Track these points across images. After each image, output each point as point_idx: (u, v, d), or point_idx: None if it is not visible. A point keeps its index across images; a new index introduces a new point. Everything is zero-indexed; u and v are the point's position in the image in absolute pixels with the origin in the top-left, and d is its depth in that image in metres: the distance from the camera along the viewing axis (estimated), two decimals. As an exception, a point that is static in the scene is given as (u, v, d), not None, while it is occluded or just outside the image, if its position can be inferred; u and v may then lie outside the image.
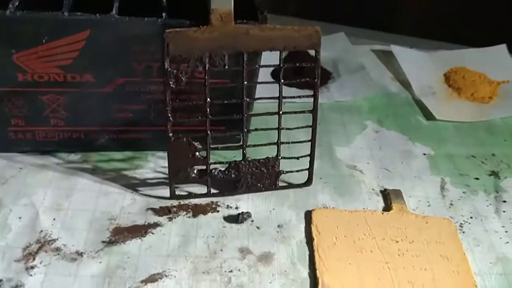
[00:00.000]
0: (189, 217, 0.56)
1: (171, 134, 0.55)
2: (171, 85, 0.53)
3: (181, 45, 0.52)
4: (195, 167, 0.58)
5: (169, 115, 0.54)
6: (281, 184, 0.61)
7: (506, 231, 0.59)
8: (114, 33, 0.53)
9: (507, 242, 0.58)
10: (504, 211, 0.62)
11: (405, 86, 0.82)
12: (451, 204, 0.62)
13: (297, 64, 0.58)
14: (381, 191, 0.63)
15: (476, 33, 0.99)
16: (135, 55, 0.55)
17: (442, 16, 1.03)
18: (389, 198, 0.61)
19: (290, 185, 0.62)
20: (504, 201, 0.63)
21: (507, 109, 0.79)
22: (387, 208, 0.60)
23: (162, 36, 0.51)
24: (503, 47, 0.90)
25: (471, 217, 0.60)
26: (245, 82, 0.55)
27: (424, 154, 0.70)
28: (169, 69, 0.52)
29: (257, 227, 0.56)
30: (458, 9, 1.02)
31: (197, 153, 0.57)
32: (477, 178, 0.66)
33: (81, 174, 0.60)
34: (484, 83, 0.83)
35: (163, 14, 0.54)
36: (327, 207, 0.60)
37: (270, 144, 0.59)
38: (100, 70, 0.56)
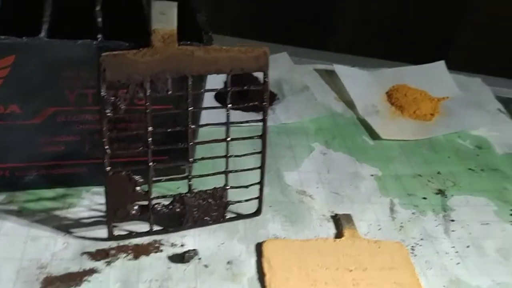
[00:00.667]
0: (130, 259, 0.52)
1: (108, 168, 0.50)
2: (108, 114, 0.48)
3: (119, 70, 0.47)
4: (136, 203, 0.53)
5: (106, 146, 0.49)
6: (229, 215, 0.58)
7: (457, 252, 0.59)
8: (43, 58, 0.48)
9: (458, 263, 0.57)
10: (453, 231, 0.62)
11: (350, 105, 0.82)
12: (402, 226, 0.61)
13: (245, 87, 0.55)
14: (332, 217, 0.61)
15: (415, 50, 1.01)
16: (67, 82, 0.50)
17: (382, 34, 1.05)
18: (340, 223, 0.60)
19: (239, 216, 0.58)
20: (452, 220, 0.63)
21: (448, 125, 0.81)
22: (338, 234, 0.59)
23: (98, 60, 0.46)
24: (441, 64, 0.92)
25: (422, 239, 0.60)
26: (190, 108, 0.52)
27: (372, 175, 0.69)
28: (106, 96, 0.48)
29: (205, 266, 0.52)
30: (398, 27, 1.04)
31: (138, 188, 0.52)
32: (424, 198, 0.66)
33: (6, 217, 0.54)
34: (425, 100, 0.84)
35: (99, 36, 0.49)
36: (278, 237, 0.57)
37: (217, 173, 0.56)
38: (27, 100, 0.50)
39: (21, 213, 0.55)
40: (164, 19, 0.48)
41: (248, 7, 1.05)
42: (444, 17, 1.03)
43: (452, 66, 0.94)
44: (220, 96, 0.73)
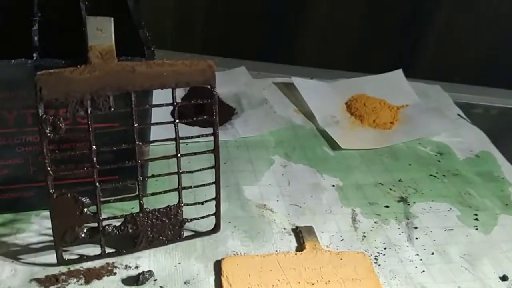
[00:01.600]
0: (81, 284, 0.49)
1: (52, 190, 0.48)
2: (48, 134, 0.46)
3: (57, 88, 0.45)
4: (85, 225, 0.51)
5: (48, 168, 0.47)
6: (186, 234, 0.56)
7: (421, 259, 0.58)
8: (-24, 79, 0.46)
9: (423, 271, 0.56)
10: (416, 238, 0.61)
11: (309, 117, 0.81)
12: (364, 236, 0.60)
13: (192, 101, 0.54)
14: (293, 230, 0.60)
15: (373, 60, 1.01)
16: (4, 103, 0.48)
17: (342, 46, 1.05)
18: (301, 236, 0.58)
19: (197, 234, 0.57)
20: (416, 228, 0.63)
21: (408, 133, 0.80)
22: (300, 247, 0.57)
23: (33, 79, 0.44)
24: (399, 72, 0.92)
25: (385, 248, 0.59)
26: (136, 125, 0.50)
27: (333, 185, 0.68)
28: (45, 116, 0.46)
29: (161, 287, 0.50)
30: (354, 37, 1.05)
31: (86, 209, 0.50)
32: (387, 206, 0.66)
33: (-51, 245, 0.51)
34: (384, 109, 0.84)
35: (34, 55, 0.48)
36: (237, 254, 0.55)
37: (170, 190, 0.54)
38: (-37, 123, 0.48)
39: (-35, 241, 0.52)
40: (101, 35, 0.46)
41: (207, 22, 1.04)
42: (403, 26, 1.04)
43: (411, 74, 0.94)
44: (179, 113, 0.71)
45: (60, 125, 0.47)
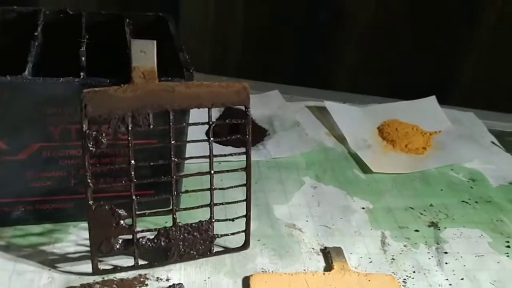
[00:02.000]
0: (114, 293, 0.51)
1: (91, 202, 0.50)
2: (91, 148, 0.49)
3: (101, 106, 0.48)
4: (120, 237, 0.53)
5: (89, 180, 0.49)
6: (216, 249, 0.57)
7: (450, 284, 0.58)
8: (27, 96, 0.49)
9: (452, 296, 0.56)
10: (446, 263, 0.61)
11: (341, 140, 0.82)
12: (393, 259, 0.60)
13: (227, 121, 0.56)
14: (321, 250, 0.60)
15: (406, 86, 1.02)
16: (51, 118, 0.51)
17: (373, 72, 1.06)
18: (329, 256, 0.59)
19: (226, 250, 0.58)
20: (446, 252, 0.62)
21: (441, 159, 0.80)
22: (328, 267, 0.58)
23: (80, 96, 0.48)
24: (432, 99, 0.92)
25: (414, 272, 0.59)
26: (173, 142, 0.53)
27: (363, 208, 0.68)
28: (88, 131, 0.49)
29: (191, 300, 0.52)
30: (388, 64, 1.06)
31: (122, 222, 0.52)
32: (417, 230, 0.65)
33: (-7, 252, 0.54)
34: (417, 134, 0.84)
35: (81, 74, 0.51)
36: (266, 271, 0.56)
37: (202, 206, 0.56)
38: (12, 136, 0.51)
39: (7, 248, 0.55)
40: (144, 56, 0.49)
41: (243, 47, 1.07)
42: (438, 53, 1.05)
43: (445, 101, 0.94)
44: (213, 132, 0.74)
45: (102, 140, 0.49)
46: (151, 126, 0.51)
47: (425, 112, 0.90)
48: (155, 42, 0.50)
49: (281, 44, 1.06)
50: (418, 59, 1.05)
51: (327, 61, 1.06)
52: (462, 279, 0.59)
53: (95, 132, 0.49)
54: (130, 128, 0.50)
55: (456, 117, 0.92)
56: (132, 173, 0.51)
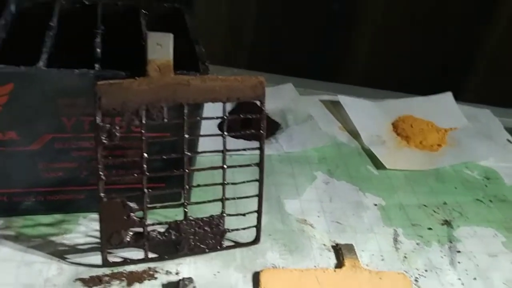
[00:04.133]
0: (123, 286, 0.51)
1: (102, 194, 0.50)
2: (104, 141, 0.49)
3: (115, 98, 0.48)
4: (131, 229, 0.53)
5: (101, 173, 0.49)
6: (226, 243, 0.57)
7: (463, 284, 0.57)
8: (40, 87, 0.49)
9: (465, 296, 0.55)
10: (459, 262, 0.60)
11: (354, 135, 0.81)
12: (405, 257, 0.60)
13: (241, 115, 0.55)
14: (332, 246, 0.60)
15: (422, 82, 1.00)
16: (65, 109, 0.51)
17: (388, 66, 1.05)
18: (341, 253, 0.58)
19: (237, 244, 0.58)
20: (459, 251, 0.61)
21: (456, 156, 0.79)
22: (339, 264, 0.57)
23: (94, 88, 0.47)
24: (448, 95, 0.91)
25: (426, 270, 0.58)
26: (186, 136, 0.52)
27: (376, 204, 0.68)
28: (101, 123, 0.48)
29: (200, 294, 0.51)
30: (403, 59, 1.04)
31: (133, 214, 0.52)
32: (430, 228, 0.65)
33: (3, 241, 0.54)
34: (432, 131, 0.83)
35: (96, 65, 0.50)
36: (276, 267, 0.56)
37: (214, 200, 0.56)
38: (25, 127, 0.51)
39: (17, 238, 0.55)
40: (160, 50, 0.49)
41: (257, 38, 1.06)
42: (454, 49, 1.03)
43: (461, 98, 0.93)
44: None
45: (115, 133, 0.49)
46: (165, 120, 0.50)
47: (441, 108, 0.89)
48: (171, 35, 0.49)
49: (294, 37, 1.04)
50: (432, 54, 1.03)
51: (341, 54, 1.05)
52: (475, 279, 0.58)
53: (108, 125, 0.49)
54: (143, 122, 0.50)
55: (472, 113, 0.91)
56: (145, 166, 0.51)
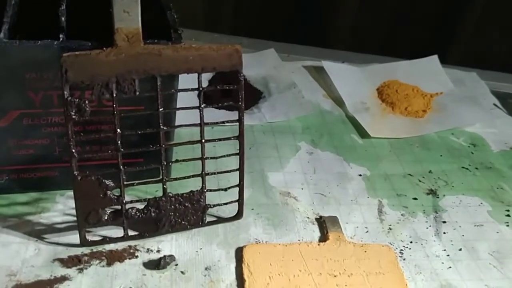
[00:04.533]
0: (103, 266, 0.49)
1: (76, 172, 0.48)
2: (73, 116, 0.46)
3: (82, 71, 0.45)
4: (108, 207, 0.51)
5: (73, 150, 0.47)
6: (208, 219, 0.55)
7: (448, 255, 0.56)
8: (3, 60, 0.46)
9: (450, 267, 0.55)
10: (444, 233, 0.59)
11: (338, 103, 0.79)
12: (390, 229, 0.59)
13: (218, 86, 0.53)
14: (316, 219, 0.59)
15: (407, 45, 0.98)
16: (31, 84, 0.48)
17: (373, 29, 1.02)
18: (325, 226, 0.57)
19: (219, 220, 0.56)
20: (444, 222, 0.61)
21: (442, 123, 0.78)
22: (323, 237, 0.56)
23: (59, 60, 0.44)
24: (434, 58, 0.89)
25: (411, 242, 0.57)
26: (161, 109, 0.50)
27: (360, 175, 0.66)
28: (70, 98, 0.46)
29: (182, 272, 0.50)
30: (388, 22, 1.01)
31: (109, 192, 0.50)
32: (415, 198, 0.64)
33: (-24, 223, 0.52)
34: (417, 96, 0.81)
35: (61, 36, 0.47)
36: (259, 242, 0.55)
37: (193, 176, 0.54)
38: (-9, 103, 0.48)
39: (-8, 219, 0.53)
40: (128, 17, 0.45)
41: (237, 2, 1.03)
42: (440, 10, 1.01)
43: (447, 60, 0.91)
44: (205, 96, 0.71)
45: (85, 107, 0.46)
46: (137, 93, 0.48)
47: (427, 73, 0.87)
48: (139, 1, 0.46)
49: (277, -1, 1.01)
50: (418, 16, 1.00)
51: (325, 17, 1.02)
52: (460, 249, 0.57)
53: (77, 99, 0.46)
54: (114, 95, 0.47)
55: (458, 77, 0.89)
56: (119, 142, 0.49)
